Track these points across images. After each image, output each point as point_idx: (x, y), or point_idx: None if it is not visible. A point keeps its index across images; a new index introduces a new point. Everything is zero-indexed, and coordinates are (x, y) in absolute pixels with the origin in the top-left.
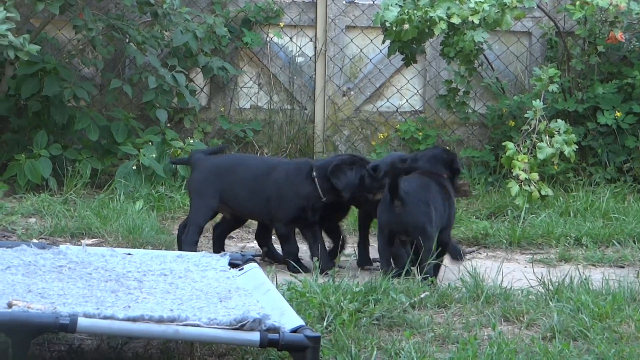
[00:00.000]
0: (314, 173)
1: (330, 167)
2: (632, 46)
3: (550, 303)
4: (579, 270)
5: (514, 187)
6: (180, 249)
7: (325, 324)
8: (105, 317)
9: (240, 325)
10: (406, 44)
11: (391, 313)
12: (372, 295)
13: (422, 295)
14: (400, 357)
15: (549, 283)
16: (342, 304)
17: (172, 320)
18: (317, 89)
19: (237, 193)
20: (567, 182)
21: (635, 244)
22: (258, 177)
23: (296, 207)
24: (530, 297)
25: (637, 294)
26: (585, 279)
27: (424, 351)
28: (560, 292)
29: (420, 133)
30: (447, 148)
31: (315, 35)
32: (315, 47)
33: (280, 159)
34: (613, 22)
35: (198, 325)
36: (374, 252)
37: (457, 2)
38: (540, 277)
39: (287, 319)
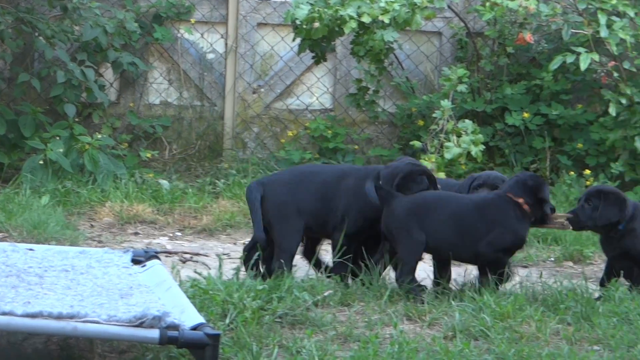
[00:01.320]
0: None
1: (397, 179)
2: (540, 48)
3: (453, 302)
4: None
5: None
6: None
7: (227, 321)
8: (3, 313)
9: (140, 323)
10: (316, 42)
11: (294, 311)
12: (275, 293)
13: (325, 294)
14: (301, 355)
15: (453, 282)
16: (245, 301)
17: (71, 317)
18: (227, 85)
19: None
20: None
21: (539, 244)
22: (328, 185)
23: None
24: (433, 296)
25: (538, 294)
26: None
27: (325, 349)
28: (463, 291)
29: (330, 131)
30: (536, 174)
31: (227, 32)
32: (226, 44)
33: (351, 165)
34: (522, 23)
35: (97, 322)
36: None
37: (368, 1)
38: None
39: (188, 316)
